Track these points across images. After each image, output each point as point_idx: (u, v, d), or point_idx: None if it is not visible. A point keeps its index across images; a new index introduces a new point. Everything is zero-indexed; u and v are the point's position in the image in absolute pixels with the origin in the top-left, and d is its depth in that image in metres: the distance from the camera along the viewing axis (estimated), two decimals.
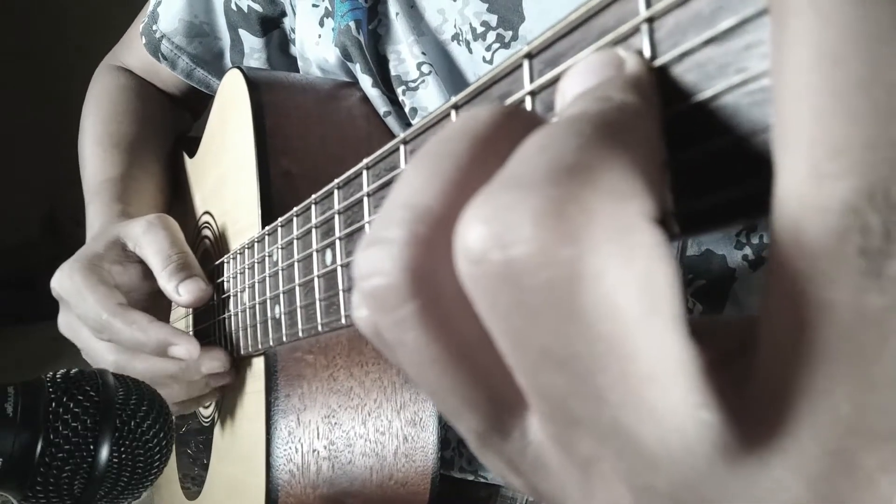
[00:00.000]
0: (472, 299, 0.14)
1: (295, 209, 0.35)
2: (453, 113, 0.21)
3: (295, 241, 0.35)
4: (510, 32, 0.46)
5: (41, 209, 1.75)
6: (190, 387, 0.51)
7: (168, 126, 0.73)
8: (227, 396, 0.54)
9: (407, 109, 0.50)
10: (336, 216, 0.30)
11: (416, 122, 0.23)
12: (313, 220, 0.33)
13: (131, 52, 0.72)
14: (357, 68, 0.51)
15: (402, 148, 0.24)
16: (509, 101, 0.18)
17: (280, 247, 0.37)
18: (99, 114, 0.70)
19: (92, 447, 0.40)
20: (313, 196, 0.33)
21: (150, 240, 0.51)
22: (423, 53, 0.49)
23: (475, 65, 0.48)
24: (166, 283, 0.50)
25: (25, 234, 1.70)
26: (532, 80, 0.17)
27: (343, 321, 0.29)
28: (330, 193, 0.31)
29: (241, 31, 0.62)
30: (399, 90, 0.50)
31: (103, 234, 0.55)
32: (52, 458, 0.39)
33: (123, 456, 0.41)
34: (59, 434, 0.39)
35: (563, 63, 0.16)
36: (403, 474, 0.48)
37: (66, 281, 0.50)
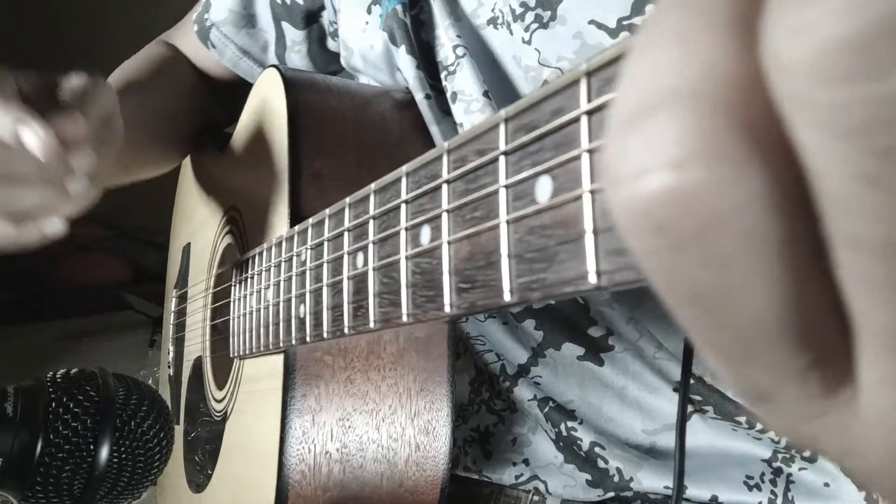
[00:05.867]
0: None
1: (328, 210, 0.35)
2: (502, 126, 0.21)
3: (325, 243, 0.35)
4: (549, 12, 0.46)
5: None
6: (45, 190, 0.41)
7: (190, 97, 0.72)
8: (242, 392, 0.54)
9: (448, 94, 0.51)
10: (370, 221, 0.30)
11: (462, 132, 0.23)
12: (346, 223, 0.33)
13: (184, 37, 0.73)
14: (401, 51, 0.52)
15: (444, 157, 0.24)
16: (564, 119, 0.18)
17: (310, 247, 0.37)
18: (124, 67, 0.69)
19: (92, 447, 0.40)
20: (348, 199, 0.33)
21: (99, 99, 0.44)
22: (458, 36, 0.51)
23: (515, 47, 0.48)
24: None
25: None
26: (590, 100, 0.17)
27: (371, 325, 0.29)
28: (365, 197, 0.31)
29: (284, 24, 0.63)
30: (442, 76, 0.52)
31: None
32: (52, 458, 0.39)
33: (123, 456, 0.41)
34: (59, 434, 0.39)
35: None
36: (413, 482, 0.48)
37: None
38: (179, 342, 0.79)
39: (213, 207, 0.71)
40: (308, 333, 0.37)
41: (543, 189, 0.19)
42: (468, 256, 0.23)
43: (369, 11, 0.55)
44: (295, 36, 0.63)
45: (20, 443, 0.39)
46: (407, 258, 0.27)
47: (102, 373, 0.44)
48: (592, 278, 0.17)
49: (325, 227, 0.35)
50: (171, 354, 0.82)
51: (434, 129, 0.52)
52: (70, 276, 1.51)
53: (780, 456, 0.48)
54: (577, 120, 0.18)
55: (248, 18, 0.65)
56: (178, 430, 0.75)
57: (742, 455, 0.49)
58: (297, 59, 0.64)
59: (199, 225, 0.78)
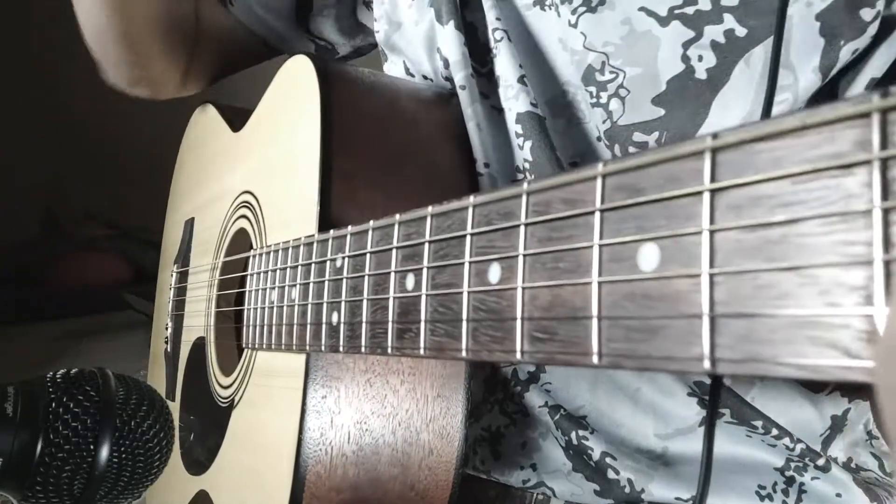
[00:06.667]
0: None
1: (371, 223, 0.35)
2: (598, 181, 0.20)
3: (368, 255, 0.34)
4: None
5: (41, 208, 1.73)
6: None
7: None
8: (254, 384, 0.54)
9: (495, 77, 0.51)
10: (426, 244, 0.29)
11: (544, 178, 0.23)
12: (395, 241, 0.32)
13: None
14: (448, 28, 0.51)
15: (524, 198, 0.24)
16: (681, 190, 0.18)
17: (347, 256, 0.37)
18: None
19: (92, 447, 0.40)
20: (397, 216, 0.32)
21: None
22: (498, 19, 0.50)
23: (562, 29, 0.48)
24: None
25: (25, 232, 1.68)
26: (713, 178, 0.17)
27: (421, 352, 0.29)
28: (420, 219, 0.30)
29: None
30: (488, 58, 0.52)
31: None
32: (52, 458, 0.39)
33: (123, 456, 0.41)
34: (59, 434, 0.39)
35: (759, 173, 0.16)
36: (424, 486, 0.48)
37: None
38: (178, 319, 0.78)
39: (225, 187, 0.69)
40: (342, 344, 0.36)
41: (649, 257, 0.19)
42: (547, 306, 0.22)
43: None
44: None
45: (20, 443, 0.39)
46: (470, 293, 0.26)
47: (102, 373, 0.43)
48: (706, 364, 0.17)
49: (369, 240, 0.35)
50: (170, 330, 0.81)
51: (470, 111, 0.52)
52: (70, 276, 1.49)
53: (792, 465, 0.49)
54: (698, 194, 0.17)
55: None
56: (174, 407, 0.75)
57: (755, 462, 0.49)
58: (324, 21, 0.63)
59: (205, 201, 0.76)
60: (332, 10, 0.62)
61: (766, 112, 0.39)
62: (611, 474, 0.51)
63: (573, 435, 0.52)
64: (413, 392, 0.47)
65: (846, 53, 0.40)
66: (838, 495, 0.47)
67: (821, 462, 0.48)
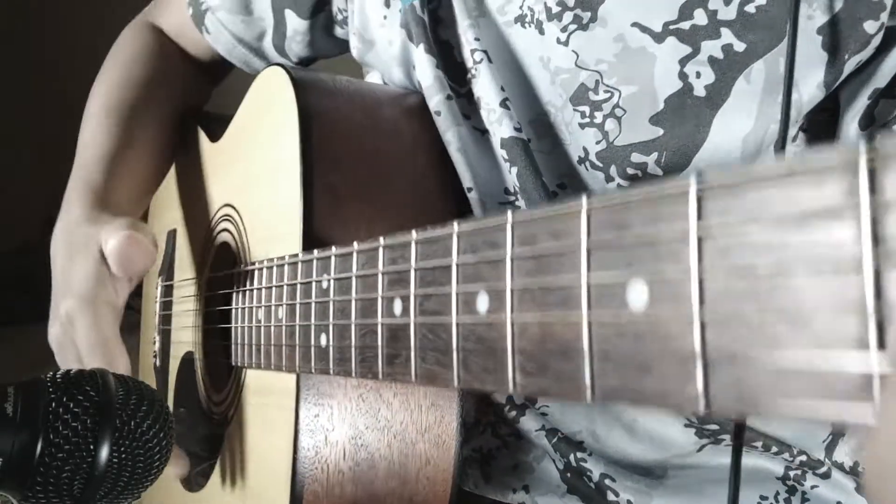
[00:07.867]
0: None
1: (355, 245, 0.34)
2: (583, 216, 0.20)
3: (354, 279, 0.34)
4: (588, 13, 0.44)
5: (41, 211, 1.72)
6: None
7: (183, 90, 0.71)
8: (246, 400, 0.53)
9: (475, 98, 0.49)
10: (412, 271, 0.29)
11: (531, 209, 0.22)
12: (380, 266, 0.32)
13: (168, 11, 0.69)
14: (419, 50, 0.50)
15: (508, 229, 0.23)
16: (668, 230, 0.18)
17: (333, 278, 0.36)
18: (113, 78, 0.67)
19: (92, 447, 0.40)
20: (381, 240, 0.32)
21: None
22: (477, 39, 0.48)
23: (545, 48, 0.46)
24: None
25: (25, 235, 1.66)
26: (700, 217, 0.17)
27: (413, 379, 0.29)
28: (405, 244, 0.30)
29: (287, 12, 0.60)
30: (467, 77, 0.50)
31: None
32: (52, 458, 0.39)
33: (123, 456, 0.41)
34: (59, 434, 0.39)
35: (746, 217, 0.16)
36: (423, 497, 0.48)
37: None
38: (165, 334, 0.78)
39: (205, 200, 0.68)
40: (332, 367, 0.36)
41: (637, 295, 0.18)
42: (539, 339, 0.22)
43: (388, 5, 0.52)
44: (297, 25, 0.60)
45: (20, 443, 0.39)
46: (459, 322, 0.26)
47: (102, 373, 0.43)
48: (701, 404, 0.17)
49: (353, 263, 0.34)
50: (157, 345, 0.80)
51: (449, 136, 0.50)
52: None
53: (791, 474, 0.49)
54: (684, 236, 0.17)
55: (244, 4, 0.62)
56: None
57: (756, 472, 0.49)
58: (298, 49, 0.62)
59: (186, 213, 0.75)
60: (306, 36, 0.60)
61: (784, 130, 0.38)
62: (610, 496, 0.50)
63: (572, 457, 0.51)
64: (406, 403, 0.47)
65: (850, 66, 0.39)
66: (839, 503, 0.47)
67: (821, 470, 0.48)
